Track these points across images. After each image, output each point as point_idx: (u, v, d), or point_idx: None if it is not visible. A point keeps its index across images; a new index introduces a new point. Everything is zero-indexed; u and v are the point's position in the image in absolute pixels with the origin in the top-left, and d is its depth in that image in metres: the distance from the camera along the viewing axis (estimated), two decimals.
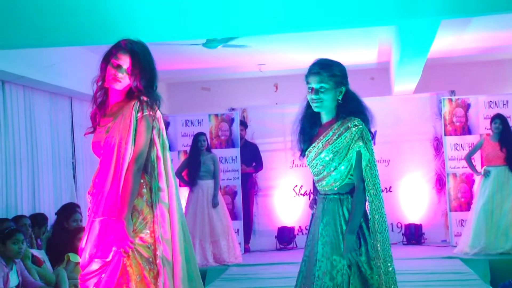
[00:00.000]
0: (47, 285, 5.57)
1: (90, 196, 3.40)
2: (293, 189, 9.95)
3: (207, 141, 8.92)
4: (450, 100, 9.47)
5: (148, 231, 3.32)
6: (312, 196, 4.01)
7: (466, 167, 8.84)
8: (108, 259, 3.28)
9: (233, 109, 10.37)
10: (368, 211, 3.70)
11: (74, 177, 8.43)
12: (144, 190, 3.39)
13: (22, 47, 6.28)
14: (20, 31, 5.41)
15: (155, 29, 5.39)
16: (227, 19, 5.59)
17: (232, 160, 9.79)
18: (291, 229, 9.73)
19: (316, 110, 3.73)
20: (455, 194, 9.31)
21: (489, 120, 8.65)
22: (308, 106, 3.81)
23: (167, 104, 11.41)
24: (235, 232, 9.08)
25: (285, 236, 9.72)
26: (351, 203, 3.62)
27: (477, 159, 8.76)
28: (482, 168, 8.53)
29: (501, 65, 10.60)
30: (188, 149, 9.19)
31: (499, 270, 7.63)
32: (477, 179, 8.73)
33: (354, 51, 9.46)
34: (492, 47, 9.57)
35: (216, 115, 9.92)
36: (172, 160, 10.08)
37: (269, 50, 8.86)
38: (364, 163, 3.66)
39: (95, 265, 3.34)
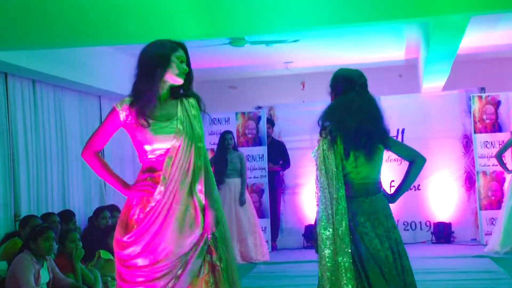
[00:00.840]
0: (84, 284, 5.64)
1: (163, 187, 3.39)
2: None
3: (234, 139, 8.94)
4: (480, 97, 9.36)
5: None
6: None
7: (497, 165, 8.73)
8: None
9: (260, 107, 10.37)
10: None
11: None
12: None
13: (53, 47, 6.36)
14: (50, 32, 5.48)
15: (184, 28, 5.41)
16: (254, 18, 5.59)
17: (259, 158, 9.79)
18: None
19: None
20: (485, 192, 9.21)
21: None
22: None
23: None
24: (262, 230, 9.09)
25: (312, 234, 9.70)
26: None
27: (507, 156, 8.66)
28: None
29: None
30: (215, 147, 9.22)
31: None
32: (508, 177, 8.63)
33: (381, 47, 9.39)
34: None
35: (243, 113, 9.93)
36: None
37: (296, 47, 8.83)
38: None
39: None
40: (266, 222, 9.62)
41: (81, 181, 7.89)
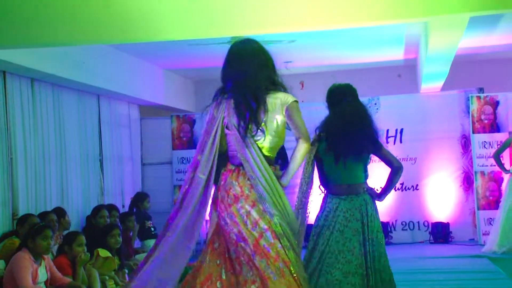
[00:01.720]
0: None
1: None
2: (319, 187, 9.92)
3: None
4: (478, 97, 9.37)
5: None
6: None
7: (495, 165, 8.74)
8: None
9: None
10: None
11: (102, 174, 8.51)
12: None
13: (51, 45, 6.34)
14: (48, 30, 5.47)
15: (183, 27, 5.41)
16: (251, 17, 5.59)
17: None
18: None
19: None
20: (483, 192, 9.22)
21: None
22: None
23: (194, 101, 11.45)
24: None
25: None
26: None
27: (506, 157, 8.67)
28: (511, 166, 8.43)
29: None
30: None
31: None
32: (506, 177, 8.64)
33: (380, 48, 9.39)
34: None
35: None
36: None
37: (295, 47, 8.83)
38: None
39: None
40: None
41: (79, 180, 7.88)
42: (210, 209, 3.84)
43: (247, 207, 3.50)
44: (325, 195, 4.37)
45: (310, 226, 4.42)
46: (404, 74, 10.76)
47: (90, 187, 8.13)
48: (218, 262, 3.57)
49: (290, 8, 5.36)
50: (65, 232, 6.53)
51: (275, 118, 3.53)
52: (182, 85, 11.03)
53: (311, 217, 4.31)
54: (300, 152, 3.56)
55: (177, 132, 10.01)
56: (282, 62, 10.54)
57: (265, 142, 3.54)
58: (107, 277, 6.06)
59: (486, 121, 9.30)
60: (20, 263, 5.14)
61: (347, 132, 4.16)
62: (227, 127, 3.55)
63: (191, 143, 9.96)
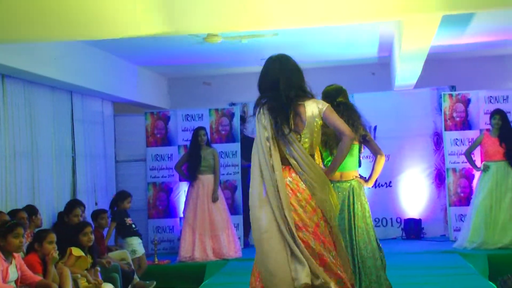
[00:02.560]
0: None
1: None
2: None
3: (207, 136, 8.94)
4: (451, 95, 9.47)
5: None
6: None
7: (466, 162, 8.85)
8: None
9: (233, 104, 10.37)
10: None
11: (74, 171, 8.43)
12: None
13: (23, 41, 6.27)
14: (20, 25, 5.40)
15: (155, 23, 5.38)
16: (226, 14, 5.58)
17: (233, 154, 9.79)
18: None
19: None
20: (455, 189, 9.33)
21: (489, 115, 8.66)
22: None
23: (168, 98, 11.41)
24: (235, 227, 9.10)
25: None
26: None
27: (477, 154, 8.78)
28: (481, 163, 8.54)
29: (502, 60, 10.58)
30: (188, 143, 9.20)
31: (498, 264, 7.65)
32: (477, 174, 8.75)
33: (355, 46, 9.44)
34: (493, 42, 9.55)
35: (217, 110, 9.92)
36: (172, 155, 9.93)
37: (270, 45, 8.84)
38: None
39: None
40: (239, 219, 9.63)
41: (51, 177, 7.80)
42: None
43: (306, 198, 4.02)
44: None
45: None
46: (378, 72, 10.83)
47: (63, 184, 8.05)
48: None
49: (265, 6, 5.37)
50: (37, 230, 6.47)
51: (315, 121, 4.07)
52: (156, 82, 10.98)
53: None
54: (346, 146, 4.07)
55: (151, 129, 9.96)
56: (257, 59, 10.60)
57: (307, 142, 4.06)
58: (79, 275, 6.02)
59: (457, 119, 9.41)
60: None
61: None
62: (275, 133, 4.07)
63: (165, 140, 9.92)
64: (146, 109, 10.34)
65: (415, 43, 7.24)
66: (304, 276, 3.83)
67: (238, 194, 9.71)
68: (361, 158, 5.20)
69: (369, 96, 10.08)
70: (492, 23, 8.12)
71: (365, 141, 5.10)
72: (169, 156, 9.84)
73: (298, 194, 4.01)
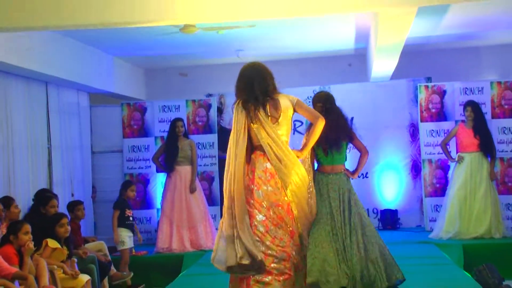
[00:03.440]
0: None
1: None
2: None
3: (185, 127, 8.91)
4: (426, 86, 9.55)
5: None
6: None
7: (442, 153, 8.93)
8: None
9: (210, 95, 10.34)
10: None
11: (50, 162, 8.36)
12: None
13: None
14: None
15: (130, 13, 5.34)
16: (203, 4, 5.57)
17: (210, 146, 9.78)
18: None
19: None
20: (431, 180, 9.42)
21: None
22: None
23: (144, 89, 11.34)
24: (212, 218, 9.11)
25: None
26: None
27: (452, 145, 8.86)
28: (457, 154, 8.63)
29: (477, 52, 10.69)
30: (165, 135, 9.17)
31: (473, 254, 7.76)
32: (452, 165, 8.84)
33: (332, 37, 9.47)
34: (468, 34, 9.63)
35: (194, 101, 9.89)
36: (149, 146, 9.90)
37: (247, 36, 8.83)
38: None
39: None
40: (216, 210, 9.63)
41: (27, 169, 7.72)
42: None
43: (278, 182, 4.75)
44: (314, 173, 5.53)
45: None
46: (355, 63, 10.88)
47: (38, 176, 7.98)
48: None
49: None
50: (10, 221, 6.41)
51: (288, 111, 4.81)
52: (132, 73, 10.91)
53: None
54: (318, 128, 4.84)
55: (127, 120, 9.91)
56: (233, 51, 10.58)
57: (282, 130, 4.78)
58: (55, 267, 5.98)
59: (433, 110, 9.49)
60: None
61: (330, 133, 5.45)
62: (251, 123, 4.74)
63: (142, 131, 9.88)
64: (122, 100, 10.28)
65: (391, 35, 7.28)
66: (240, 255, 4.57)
67: (216, 185, 9.70)
68: (347, 155, 5.83)
69: (346, 88, 10.11)
70: (467, 15, 8.19)
71: (351, 140, 5.81)
72: (146, 147, 9.81)
73: (275, 176, 4.76)
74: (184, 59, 10.75)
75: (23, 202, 7.42)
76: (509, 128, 9.15)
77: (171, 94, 10.95)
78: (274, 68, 10.16)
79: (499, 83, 9.34)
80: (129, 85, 10.70)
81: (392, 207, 9.86)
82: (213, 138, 9.77)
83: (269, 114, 4.75)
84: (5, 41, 6.75)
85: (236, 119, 4.81)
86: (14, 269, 5.37)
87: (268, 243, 4.67)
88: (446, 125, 9.34)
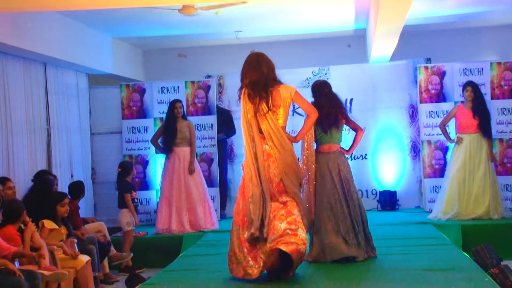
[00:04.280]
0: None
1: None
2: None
3: (183, 108, 8.90)
4: (426, 67, 9.52)
5: None
6: None
7: (441, 134, 8.93)
8: None
9: (209, 76, 10.32)
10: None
11: (49, 143, 8.36)
12: None
13: None
14: None
15: None
16: None
17: (209, 127, 9.78)
18: None
19: None
20: (430, 161, 9.43)
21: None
22: None
23: (143, 71, 11.32)
24: (212, 199, 9.13)
25: None
26: None
27: (451, 126, 8.86)
28: (456, 135, 8.62)
29: (477, 32, 10.65)
30: (164, 116, 9.16)
31: (471, 235, 7.79)
32: (451, 146, 8.84)
33: (331, 18, 9.43)
34: (468, 15, 9.60)
35: (193, 82, 9.87)
36: (148, 127, 9.90)
37: (246, 17, 8.80)
38: None
39: None
40: (216, 191, 9.65)
41: (26, 150, 7.73)
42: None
43: (272, 163, 5.45)
44: (316, 155, 6.27)
45: None
46: (354, 44, 10.84)
47: (37, 157, 7.99)
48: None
49: None
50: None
51: (287, 101, 5.47)
52: (131, 54, 10.87)
53: None
54: (312, 120, 5.61)
55: (126, 101, 9.89)
56: (232, 31, 10.53)
57: (280, 117, 5.47)
58: (55, 247, 6.01)
59: (433, 91, 9.48)
60: None
61: (329, 114, 6.25)
62: (256, 113, 5.45)
63: (141, 113, 9.87)
64: (121, 81, 10.26)
65: (391, 16, 7.24)
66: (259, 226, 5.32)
67: (215, 166, 9.72)
68: (342, 136, 6.50)
69: (345, 69, 10.11)
70: None
71: (347, 121, 6.46)
72: (145, 128, 9.80)
73: (271, 159, 5.46)
74: (183, 40, 10.71)
75: (22, 184, 7.44)
76: (509, 109, 9.15)
77: (170, 75, 10.92)
78: (273, 49, 10.27)
79: (498, 63, 9.32)
80: (128, 66, 10.67)
81: (391, 188, 9.88)
82: (212, 119, 9.77)
83: (270, 107, 5.42)
84: (4, 22, 6.72)
85: (244, 110, 5.51)
86: (14, 248, 5.39)
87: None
88: (445, 106, 9.33)
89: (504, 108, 9.17)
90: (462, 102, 8.80)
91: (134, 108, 9.88)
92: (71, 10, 7.27)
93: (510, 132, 9.10)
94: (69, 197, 6.91)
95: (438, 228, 7.93)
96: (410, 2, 6.72)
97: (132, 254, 7.81)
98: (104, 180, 9.55)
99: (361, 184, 9.99)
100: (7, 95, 7.38)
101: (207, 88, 9.84)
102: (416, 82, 9.61)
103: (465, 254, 6.64)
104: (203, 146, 9.69)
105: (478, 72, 9.31)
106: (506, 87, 9.24)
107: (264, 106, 5.43)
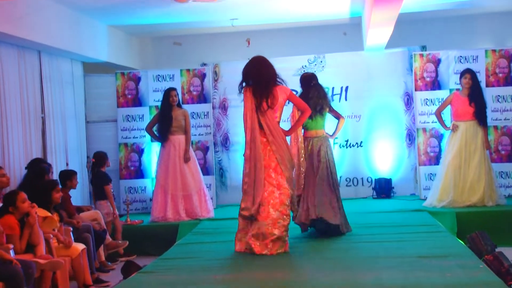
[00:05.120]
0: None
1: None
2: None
3: (178, 96, 8.89)
4: (421, 55, 9.53)
5: None
6: None
7: (436, 122, 8.95)
8: None
9: (205, 64, 10.30)
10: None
11: (44, 132, 8.35)
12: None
13: None
14: None
15: None
16: None
17: (204, 115, 9.78)
18: None
19: None
20: (425, 148, 9.45)
21: (459, 75, 8.73)
22: None
23: (138, 59, 11.28)
24: (207, 187, 9.14)
25: None
26: None
27: (447, 114, 8.87)
28: (451, 123, 8.63)
29: (472, 20, 10.63)
30: (159, 104, 9.15)
31: (466, 222, 7.82)
32: (446, 133, 8.85)
33: (327, 5, 9.40)
34: (463, 2, 9.58)
35: (188, 70, 9.85)
36: (143, 115, 9.93)
37: (241, 4, 8.77)
38: None
39: None
40: (211, 179, 9.66)
41: (21, 138, 7.71)
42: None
43: (269, 151, 6.30)
44: (304, 137, 7.14)
45: None
46: (350, 31, 10.81)
47: (32, 145, 7.97)
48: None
49: None
50: (5, 189, 6.42)
51: (284, 100, 6.31)
52: (126, 42, 10.83)
53: None
54: (304, 117, 6.47)
55: (122, 90, 9.88)
56: (228, 19, 10.50)
57: (277, 114, 6.32)
58: (51, 236, 6.02)
59: (428, 79, 9.48)
60: None
61: (315, 104, 7.01)
62: (257, 110, 6.21)
63: (136, 101, 9.85)
64: (116, 69, 10.23)
65: (386, 3, 7.22)
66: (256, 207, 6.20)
67: (210, 154, 9.72)
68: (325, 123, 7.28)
69: (341, 56, 10.10)
70: None
71: (330, 110, 7.28)
72: (140, 116, 9.79)
73: (267, 147, 6.29)
74: (178, 28, 10.67)
75: (17, 171, 7.43)
76: (503, 96, 9.18)
77: (165, 64, 10.90)
78: (268, 37, 10.23)
79: (493, 51, 9.33)
80: (123, 54, 10.64)
81: (386, 175, 9.91)
82: (207, 107, 9.76)
83: (269, 105, 6.20)
84: None
85: (246, 105, 6.25)
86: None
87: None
88: (440, 94, 9.34)
89: (498, 95, 9.20)
90: (457, 89, 8.80)
91: (129, 96, 9.87)
92: None
93: (505, 119, 9.13)
94: (60, 186, 6.91)
95: (433, 216, 7.96)
96: None
97: (127, 242, 7.83)
98: None
99: (357, 172, 10.03)
100: (1, 83, 7.35)
101: (203, 76, 9.83)
102: (412, 70, 9.61)
103: (460, 241, 6.68)
104: (199, 134, 9.69)
105: (473, 59, 9.32)
106: (501, 75, 9.25)
107: (264, 104, 6.19)
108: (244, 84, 6.36)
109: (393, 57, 9.97)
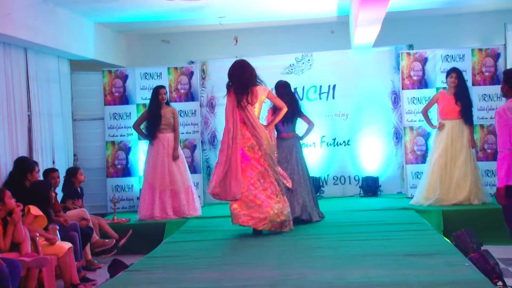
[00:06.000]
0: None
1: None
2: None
3: (167, 94, 8.87)
4: (408, 54, 9.56)
5: None
6: None
7: (423, 121, 8.99)
8: None
9: (192, 62, 10.28)
10: None
11: (30, 130, 8.30)
12: None
13: None
14: None
15: None
16: None
17: (192, 113, 9.76)
18: None
19: None
20: (412, 147, 9.49)
21: (445, 74, 8.77)
22: None
23: (125, 56, 11.24)
24: (195, 185, 9.13)
25: None
26: None
27: (433, 112, 8.91)
28: (438, 121, 8.68)
29: (458, 19, 10.67)
30: (146, 102, 9.12)
31: (452, 220, 7.87)
32: (433, 132, 8.90)
33: (314, 4, 9.41)
34: (450, 1, 9.62)
35: (176, 68, 9.83)
36: (130, 113, 9.93)
37: (229, 3, 8.76)
38: None
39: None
40: (199, 177, 9.65)
41: (7, 136, 7.66)
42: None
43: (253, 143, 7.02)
44: (277, 139, 7.84)
45: None
46: (337, 30, 10.83)
47: (18, 143, 7.92)
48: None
49: None
50: None
51: (261, 99, 7.04)
52: (113, 39, 10.79)
53: None
54: (281, 113, 7.22)
55: (109, 87, 9.84)
56: (216, 17, 10.48)
57: (256, 109, 7.02)
58: (37, 234, 5.99)
59: (415, 77, 9.52)
60: None
61: (288, 110, 7.43)
62: (239, 106, 6.91)
63: (124, 99, 9.82)
64: (103, 67, 10.18)
65: (374, 2, 7.24)
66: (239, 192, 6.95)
67: (198, 152, 9.71)
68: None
69: (328, 55, 10.12)
70: None
71: (300, 116, 8.00)
72: (128, 114, 9.76)
73: (250, 140, 7.00)
74: (166, 26, 10.65)
75: (3, 170, 7.38)
76: (489, 95, 9.23)
77: (153, 61, 10.87)
78: (256, 35, 10.31)
79: (480, 50, 9.38)
80: (110, 51, 10.60)
81: (373, 174, 9.94)
82: (195, 105, 9.75)
83: (249, 101, 6.92)
84: None
85: (228, 103, 6.95)
86: None
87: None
88: (427, 92, 9.38)
89: (485, 94, 9.25)
90: (444, 88, 8.85)
91: (116, 94, 9.83)
92: None
93: (490, 118, 9.18)
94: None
95: (420, 214, 8.00)
96: None
97: (114, 241, 7.80)
98: (87, 167, 9.50)
99: (344, 170, 10.06)
100: None
101: (190, 74, 9.81)
102: (399, 69, 9.65)
103: (446, 239, 6.71)
104: (186, 133, 9.68)
105: (460, 58, 9.37)
106: (487, 74, 9.31)
107: (245, 101, 6.88)
108: (230, 84, 7.00)
109: (381, 55, 10.00)
